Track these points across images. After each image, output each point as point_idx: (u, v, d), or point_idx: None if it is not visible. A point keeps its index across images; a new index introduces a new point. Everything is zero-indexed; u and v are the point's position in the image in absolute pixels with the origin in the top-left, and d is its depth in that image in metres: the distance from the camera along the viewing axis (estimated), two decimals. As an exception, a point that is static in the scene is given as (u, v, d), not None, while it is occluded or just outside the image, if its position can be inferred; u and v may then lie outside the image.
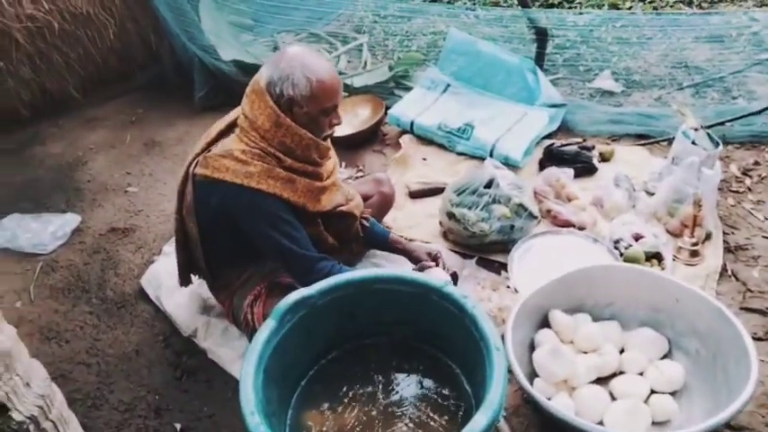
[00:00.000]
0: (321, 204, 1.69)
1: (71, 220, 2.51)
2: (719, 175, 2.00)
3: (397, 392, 1.41)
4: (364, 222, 1.87)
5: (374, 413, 1.36)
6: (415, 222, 2.22)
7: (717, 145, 2.02)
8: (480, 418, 1.08)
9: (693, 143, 2.02)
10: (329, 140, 1.78)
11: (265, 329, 1.27)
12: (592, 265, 1.67)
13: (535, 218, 2.02)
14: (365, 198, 2.03)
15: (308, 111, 1.57)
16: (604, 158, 2.44)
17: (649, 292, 1.63)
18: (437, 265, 1.81)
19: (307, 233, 1.71)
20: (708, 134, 2.06)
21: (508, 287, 1.87)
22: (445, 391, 1.40)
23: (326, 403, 1.38)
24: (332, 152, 1.80)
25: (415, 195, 2.36)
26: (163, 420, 1.67)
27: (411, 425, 1.34)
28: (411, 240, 2.13)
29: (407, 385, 1.42)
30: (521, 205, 1.97)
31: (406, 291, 1.40)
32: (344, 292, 1.41)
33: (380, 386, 1.42)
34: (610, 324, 1.66)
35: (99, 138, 3.11)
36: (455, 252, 2.06)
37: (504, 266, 1.96)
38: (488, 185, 2.00)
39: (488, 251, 2.03)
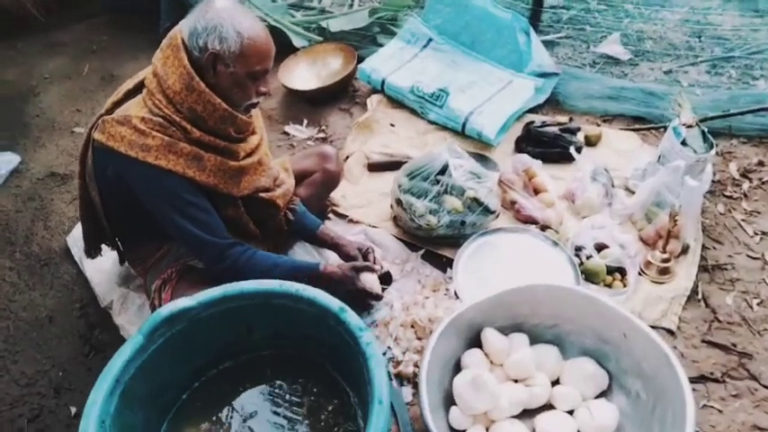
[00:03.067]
0: (239, 187, 1.50)
1: (10, 161, 2.36)
2: (707, 184, 1.75)
3: (288, 414, 1.27)
4: (289, 215, 1.67)
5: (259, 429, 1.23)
6: (366, 201, 2.01)
7: (710, 147, 1.76)
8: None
9: (684, 143, 1.76)
10: (255, 114, 1.56)
11: (128, 347, 1.12)
12: (535, 284, 1.47)
13: (492, 213, 1.80)
14: (307, 174, 1.82)
15: (234, 71, 1.35)
16: (590, 142, 2.17)
17: (597, 320, 1.44)
18: (367, 262, 1.63)
19: (224, 216, 1.53)
20: (703, 132, 1.78)
21: (447, 290, 1.69)
22: (339, 420, 1.26)
23: (206, 422, 1.25)
24: (259, 126, 1.59)
25: (375, 168, 2.14)
26: (60, 401, 1.57)
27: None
28: (357, 223, 1.94)
29: (301, 408, 1.28)
30: (475, 199, 1.75)
31: (303, 309, 1.23)
32: (235, 304, 1.24)
33: (270, 405, 1.28)
34: (548, 350, 1.49)
35: (56, 66, 2.88)
36: (402, 241, 1.87)
37: (452, 262, 1.77)
38: (443, 172, 1.77)
39: (437, 245, 1.83)
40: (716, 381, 1.47)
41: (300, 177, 1.81)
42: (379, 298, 1.60)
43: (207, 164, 1.41)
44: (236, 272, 1.45)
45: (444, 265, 1.79)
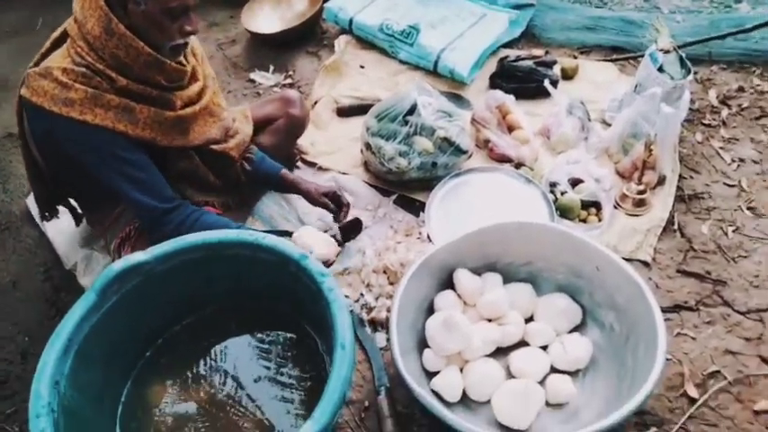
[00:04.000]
0: (186, 138, 1.41)
1: (-34, 122, 2.26)
2: (684, 112, 1.69)
3: (256, 366, 1.25)
4: (246, 165, 1.60)
5: (228, 386, 1.21)
6: (336, 147, 1.95)
7: (688, 73, 1.69)
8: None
9: (661, 70, 1.69)
10: (199, 59, 1.47)
11: (80, 306, 1.08)
12: (506, 222, 1.43)
13: (464, 152, 1.74)
14: (270, 121, 1.75)
15: (146, 9, 1.23)
16: (567, 75, 2.10)
17: (570, 256, 1.41)
18: (337, 207, 1.59)
19: (179, 169, 1.46)
20: (680, 58, 1.71)
21: (420, 234, 1.65)
22: (307, 367, 1.24)
23: (172, 379, 1.22)
24: (204, 74, 1.48)
25: (344, 113, 2.06)
26: (27, 366, 1.54)
27: (266, 402, 1.19)
28: (326, 170, 1.88)
29: (269, 359, 1.26)
30: (446, 139, 1.69)
31: (264, 258, 1.19)
32: (192, 256, 1.20)
33: (237, 358, 1.26)
34: (522, 287, 1.46)
35: (7, 21, 2.74)
36: (374, 187, 1.81)
37: (425, 206, 1.72)
38: (411, 112, 1.70)
39: (409, 189, 1.78)
40: (690, 309, 1.46)
41: (263, 124, 1.73)
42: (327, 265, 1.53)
43: (139, 116, 1.31)
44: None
45: (418, 209, 1.74)
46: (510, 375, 1.36)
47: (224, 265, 1.23)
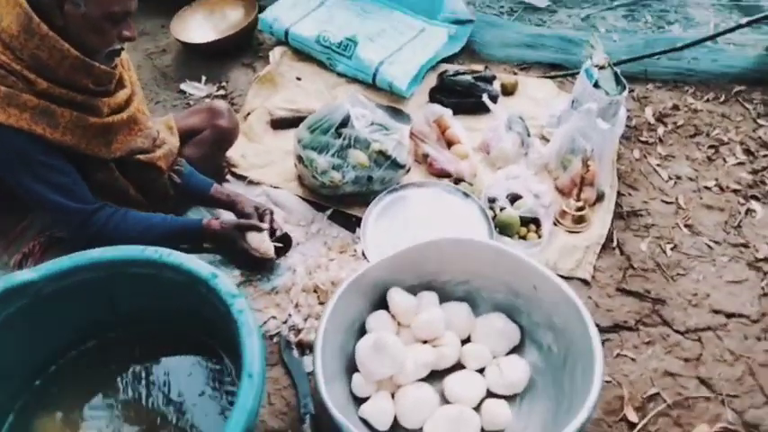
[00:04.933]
0: (109, 148, 1.31)
1: None
2: (621, 128, 1.68)
3: (161, 394, 1.12)
4: (175, 178, 1.49)
5: (128, 419, 1.08)
6: (268, 161, 1.84)
7: (623, 89, 1.68)
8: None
9: (596, 85, 1.67)
10: (124, 65, 1.37)
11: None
12: (442, 238, 1.36)
13: (401, 167, 1.67)
14: (195, 132, 1.64)
15: (86, 12, 1.14)
16: (506, 91, 2.07)
17: (507, 274, 1.35)
18: (264, 222, 1.48)
19: (95, 181, 1.34)
20: (615, 74, 1.71)
21: (355, 251, 1.57)
22: (219, 395, 1.12)
23: (62, 410, 1.08)
24: (130, 81, 1.38)
25: (278, 125, 1.96)
26: None
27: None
28: (258, 184, 1.78)
29: (175, 387, 1.13)
30: (381, 152, 1.62)
31: (170, 277, 1.07)
32: (90, 276, 1.07)
33: (140, 387, 1.13)
34: (459, 307, 1.39)
35: None
36: (308, 201, 1.72)
37: (361, 222, 1.64)
38: (345, 124, 1.63)
39: (345, 203, 1.69)
40: (630, 329, 1.42)
41: (188, 136, 1.62)
42: (271, 260, 1.46)
43: (60, 120, 1.21)
44: (105, 238, 1.28)
45: (354, 225, 1.66)
46: (444, 400, 1.27)
47: (127, 284, 1.10)
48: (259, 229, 1.43)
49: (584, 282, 1.52)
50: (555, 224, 1.65)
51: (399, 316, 1.35)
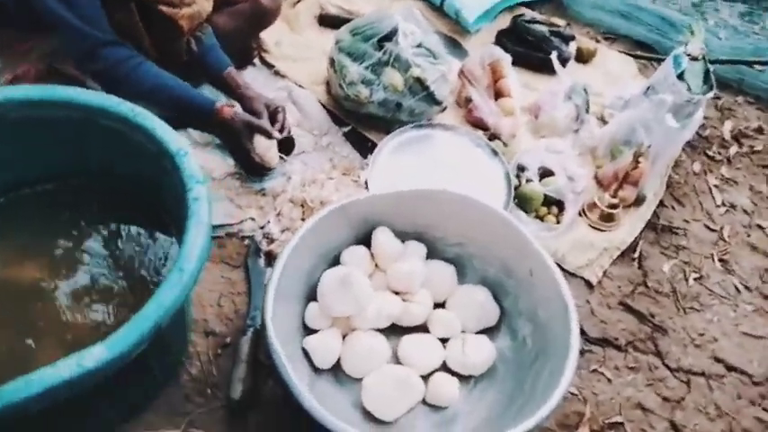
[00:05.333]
0: None
1: None
2: (691, 133, 1.47)
3: (101, 255, 1.05)
4: (193, 44, 1.37)
5: (61, 271, 1.02)
6: (303, 56, 1.70)
7: (709, 90, 1.46)
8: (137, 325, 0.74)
9: (681, 77, 1.46)
10: None
11: None
12: (447, 192, 1.22)
13: (437, 103, 1.51)
14: (232, 1, 1.50)
15: None
16: (581, 58, 1.85)
17: (506, 249, 1.22)
18: (266, 124, 1.36)
19: (116, 21, 1.23)
20: (706, 72, 1.48)
21: (358, 178, 1.45)
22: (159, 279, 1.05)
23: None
24: None
25: (325, 22, 1.80)
26: None
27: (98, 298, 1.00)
28: (283, 77, 1.64)
29: (122, 252, 1.06)
30: (418, 80, 1.45)
31: (140, 141, 0.97)
32: (60, 114, 0.98)
33: (86, 240, 1.06)
34: (443, 268, 1.27)
35: None
36: (328, 111, 1.58)
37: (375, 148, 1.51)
38: (390, 38, 1.46)
39: (366, 124, 1.56)
40: (617, 348, 1.29)
41: (224, 3, 1.48)
42: (268, 169, 1.36)
43: None
44: (111, 80, 1.20)
45: (368, 150, 1.52)
46: (395, 359, 1.19)
47: (98, 136, 1.01)
48: (270, 136, 1.31)
49: (588, 284, 1.38)
50: (580, 214, 1.49)
51: (379, 257, 1.24)
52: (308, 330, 1.17)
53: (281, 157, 1.38)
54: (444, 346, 1.19)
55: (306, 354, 1.14)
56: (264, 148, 1.33)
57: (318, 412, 0.91)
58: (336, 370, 1.15)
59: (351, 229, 1.25)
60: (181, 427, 1.04)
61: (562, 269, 1.37)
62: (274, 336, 0.99)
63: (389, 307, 1.18)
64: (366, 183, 1.43)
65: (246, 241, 1.33)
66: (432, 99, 1.50)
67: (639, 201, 1.52)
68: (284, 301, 1.08)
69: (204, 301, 1.23)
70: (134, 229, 1.09)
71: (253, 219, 1.36)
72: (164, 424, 1.03)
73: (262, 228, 1.35)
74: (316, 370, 1.13)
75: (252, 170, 1.38)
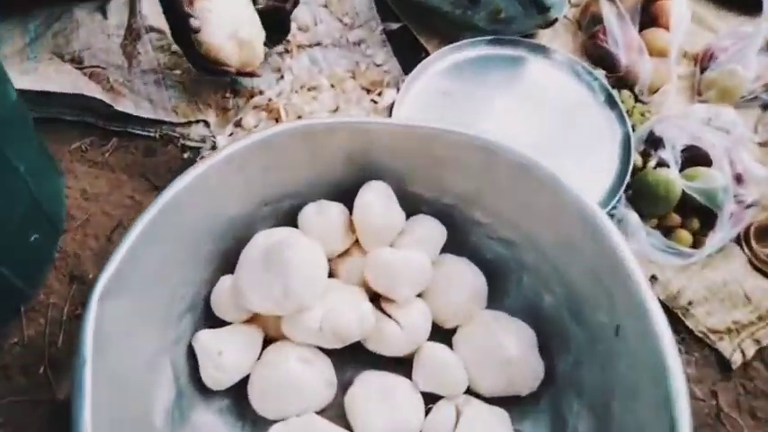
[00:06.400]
0: None
1: None
2: None
3: None
4: None
5: None
6: None
7: None
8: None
9: None
10: None
11: None
12: (507, 146, 0.66)
13: (545, 10, 0.92)
14: None
15: None
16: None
17: (583, 274, 0.64)
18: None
19: None
20: None
21: (380, 94, 0.91)
22: None
23: None
24: None
25: None
26: None
27: None
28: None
29: None
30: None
31: None
32: None
33: None
34: (470, 275, 0.73)
35: None
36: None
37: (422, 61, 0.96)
38: None
39: (422, 22, 1.00)
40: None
41: None
42: (225, 71, 0.84)
43: None
44: None
45: (414, 58, 0.97)
46: (337, 410, 0.68)
47: None
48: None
49: (725, 364, 0.78)
50: (738, 241, 0.86)
51: (362, 231, 0.73)
52: (214, 319, 0.70)
53: (266, 45, 0.88)
54: (427, 410, 0.67)
55: (195, 358, 0.67)
56: (217, 27, 0.81)
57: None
58: (239, 397, 0.67)
59: (330, 174, 0.74)
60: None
61: (684, 330, 0.78)
62: (92, 322, 0.53)
63: (351, 316, 0.67)
64: (391, 108, 0.90)
65: (187, 154, 0.87)
66: (538, 4, 0.91)
67: None
68: (179, 256, 0.62)
69: (90, 227, 0.80)
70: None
71: (207, 123, 0.89)
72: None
73: (213, 139, 0.87)
74: (204, 389, 0.66)
75: (196, 63, 0.86)
